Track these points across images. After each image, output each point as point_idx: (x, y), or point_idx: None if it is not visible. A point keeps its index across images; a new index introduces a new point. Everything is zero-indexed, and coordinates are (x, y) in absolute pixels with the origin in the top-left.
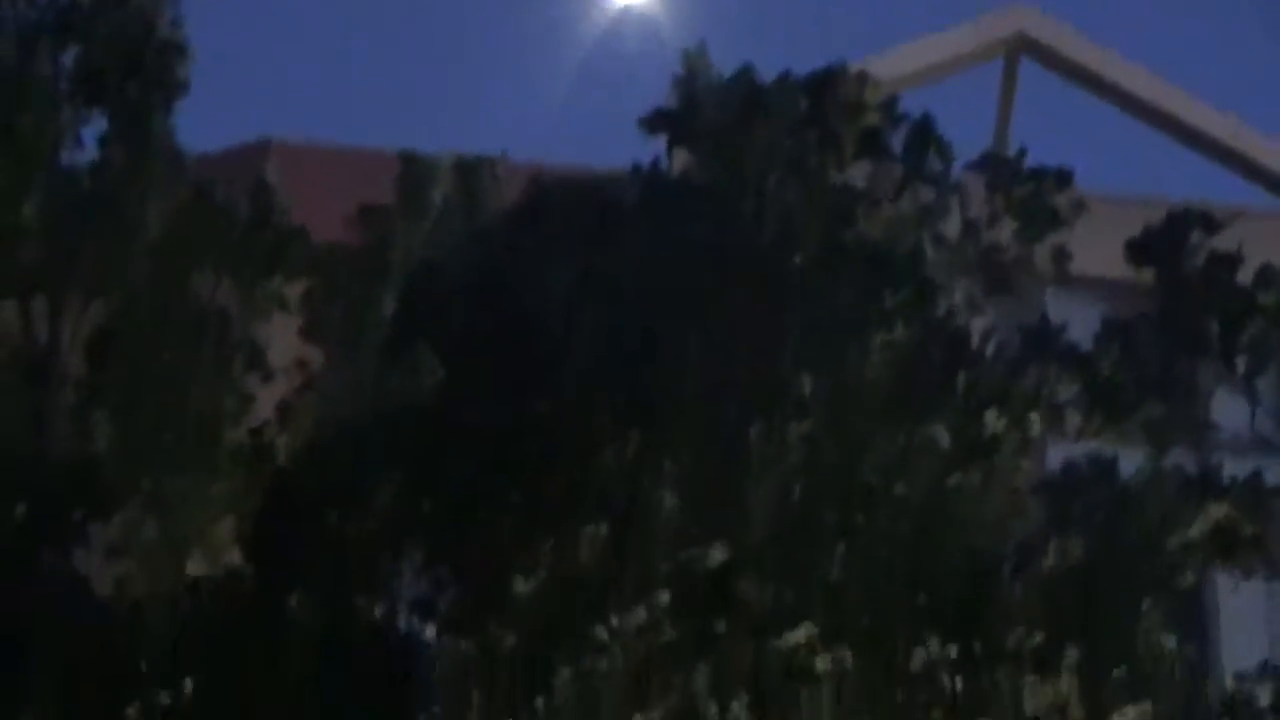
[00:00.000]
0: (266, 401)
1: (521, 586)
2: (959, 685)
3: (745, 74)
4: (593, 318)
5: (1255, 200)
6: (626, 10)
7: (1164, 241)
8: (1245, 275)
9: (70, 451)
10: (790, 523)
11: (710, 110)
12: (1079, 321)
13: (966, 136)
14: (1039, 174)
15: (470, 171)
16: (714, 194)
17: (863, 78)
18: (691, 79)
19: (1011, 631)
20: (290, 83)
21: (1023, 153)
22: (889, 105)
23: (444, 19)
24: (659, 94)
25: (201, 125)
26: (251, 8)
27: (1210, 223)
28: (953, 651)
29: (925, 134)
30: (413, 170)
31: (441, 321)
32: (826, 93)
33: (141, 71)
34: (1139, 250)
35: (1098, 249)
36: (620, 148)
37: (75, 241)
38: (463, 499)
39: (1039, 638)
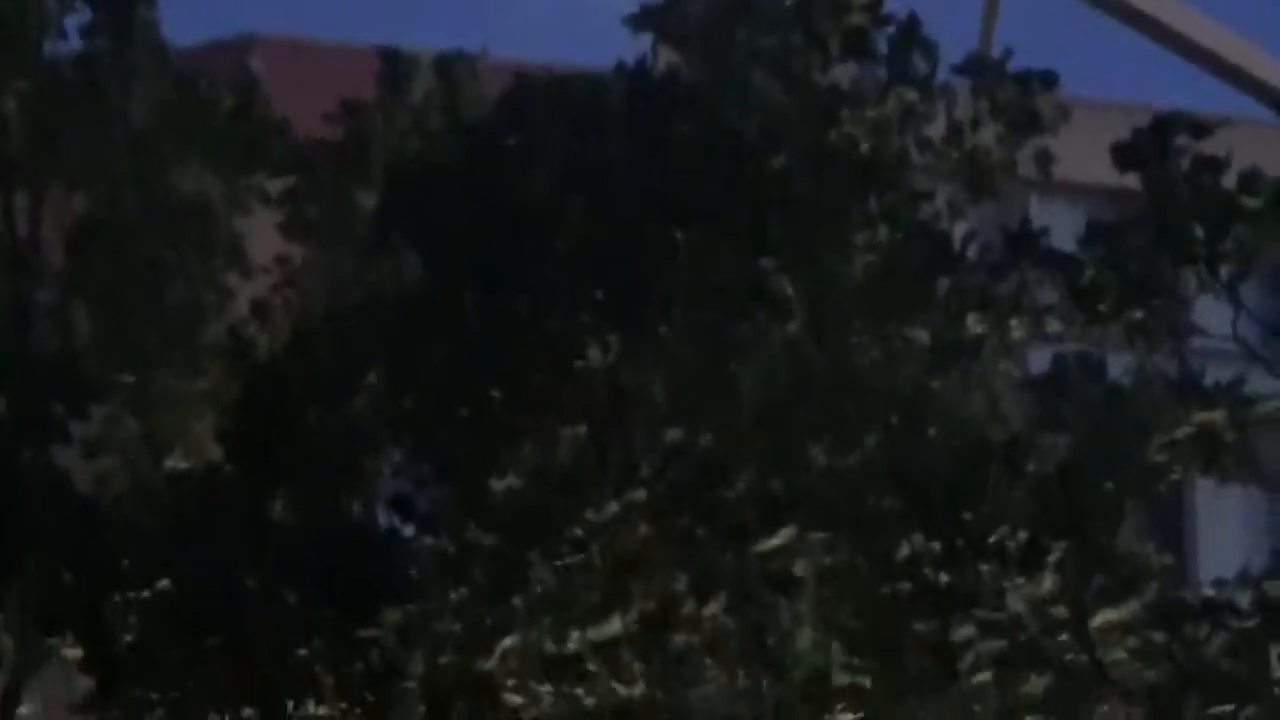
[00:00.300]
0: (248, 298)
1: (500, 484)
2: (943, 580)
3: None
4: (575, 213)
5: (1245, 110)
6: None
7: (1150, 145)
8: (1232, 181)
9: (51, 346)
10: (773, 418)
11: (695, 8)
12: (1064, 227)
13: (952, 39)
14: (1024, 77)
15: (451, 68)
16: (698, 93)
17: None
18: None
19: (995, 528)
20: None
21: (1008, 55)
22: (874, 5)
23: None
24: None
25: (186, 17)
26: None
27: (1197, 127)
28: (937, 547)
29: (910, 35)
30: (392, 66)
31: (423, 216)
32: None
33: None
34: (1124, 153)
35: (1083, 154)
36: (609, 43)
37: (57, 132)
38: (442, 395)
39: (1023, 535)
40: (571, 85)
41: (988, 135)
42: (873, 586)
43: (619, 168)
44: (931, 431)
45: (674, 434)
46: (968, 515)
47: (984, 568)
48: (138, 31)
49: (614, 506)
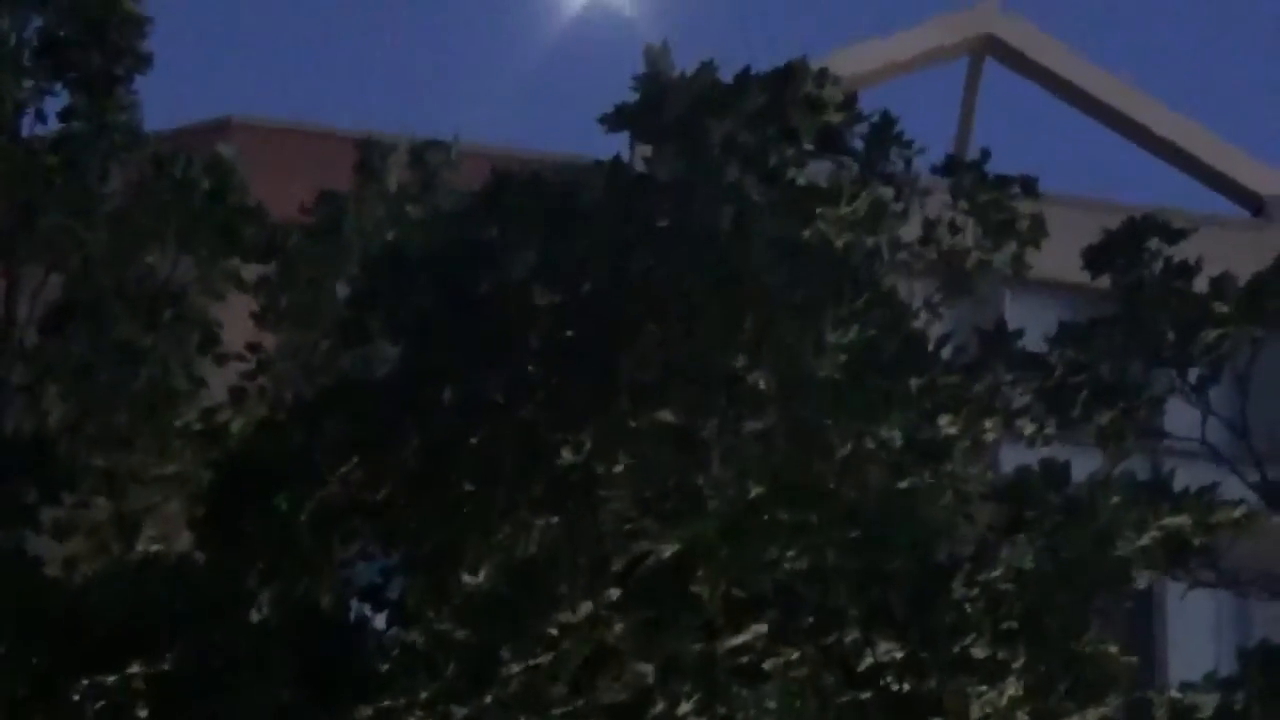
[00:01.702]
0: (220, 384)
1: (472, 577)
2: (906, 689)
3: (705, 70)
4: (550, 304)
5: (1218, 208)
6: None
7: (1121, 248)
8: (1204, 282)
9: (23, 428)
10: (743, 519)
11: (671, 105)
12: (1036, 323)
13: (929, 135)
14: (1003, 181)
15: (425, 154)
16: (673, 188)
17: (823, 74)
18: (653, 75)
19: (959, 636)
20: (254, 60)
21: (986, 155)
22: (849, 102)
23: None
24: (625, 84)
25: (163, 100)
26: None
27: (1169, 231)
28: (900, 654)
29: (886, 133)
30: (369, 154)
31: (398, 303)
32: (786, 89)
33: (104, 44)
34: (1096, 256)
35: (1057, 251)
36: (587, 136)
37: (33, 213)
38: (414, 483)
39: (986, 641)
40: (548, 179)
41: (965, 237)
42: (835, 694)
43: (594, 260)
44: (898, 534)
45: (645, 528)
46: (932, 622)
47: (947, 675)
48: (115, 114)
49: (587, 605)
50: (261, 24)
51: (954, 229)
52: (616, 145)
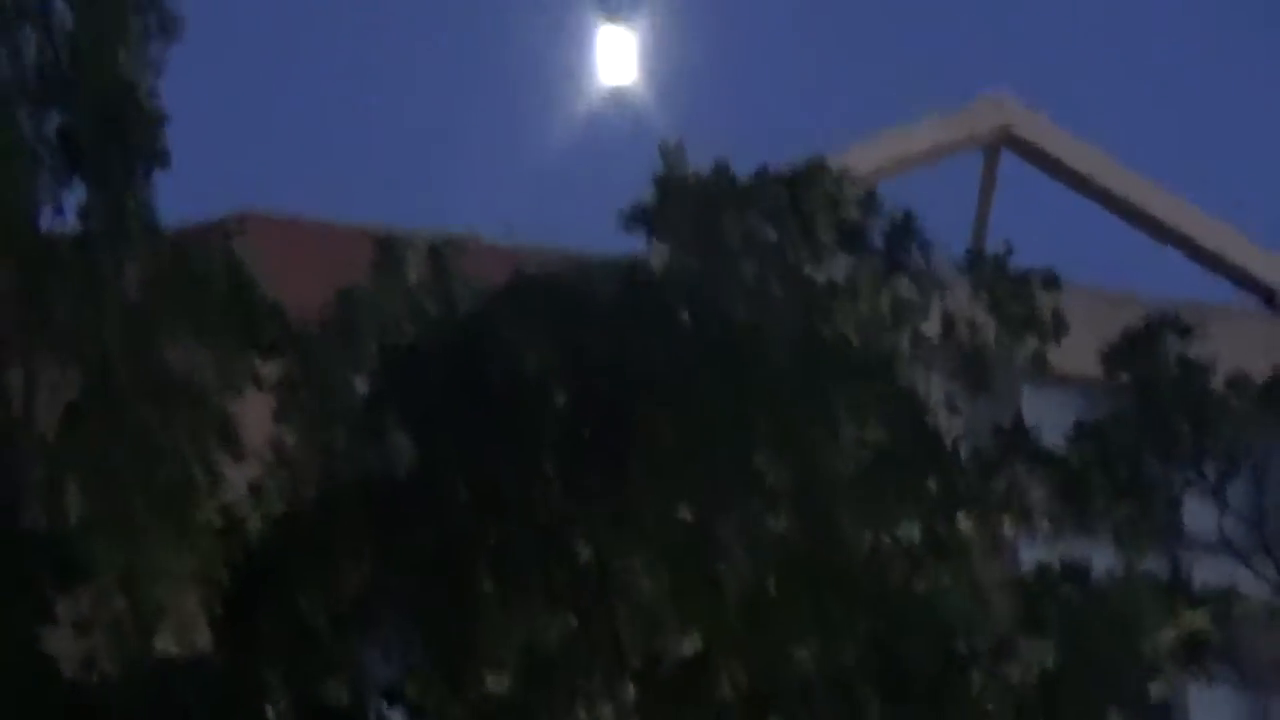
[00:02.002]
0: (238, 479)
1: (489, 673)
2: None
3: (721, 168)
4: (567, 401)
5: (1233, 299)
6: (615, 93)
7: (1138, 347)
8: (1221, 374)
9: (41, 523)
10: (759, 612)
11: (688, 204)
12: (1054, 415)
13: (947, 228)
14: (1023, 276)
15: (443, 251)
16: (691, 284)
17: (842, 171)
18: (670, 174)
19: None
20: (273, 154)
21: (1008, 250)
22: (869, 198)
23: (432, 95)
24: (641, 178)
25: (181, 193)
26: (237, 77)
27: (1185, 329)
28: None
29: (906, 229)
30: (388, 251)
31: (415, 399)
32: (805, 186)
33: (122, 141)
34: (1113, 354)
35: (1073, 343)
36: (604, 229)
37: (51, 308)
38: (431, 578)
39: None
40: (564, 276)
41: (985, 332)
42: None
43: (610, 356)
44: (917, 631)
45: (663, 622)
46: (951, 717)
47: None
48: (133, 209)
49: (607, 706)
50: (280, 116)
51: (974, 324)
52: (633, 238)
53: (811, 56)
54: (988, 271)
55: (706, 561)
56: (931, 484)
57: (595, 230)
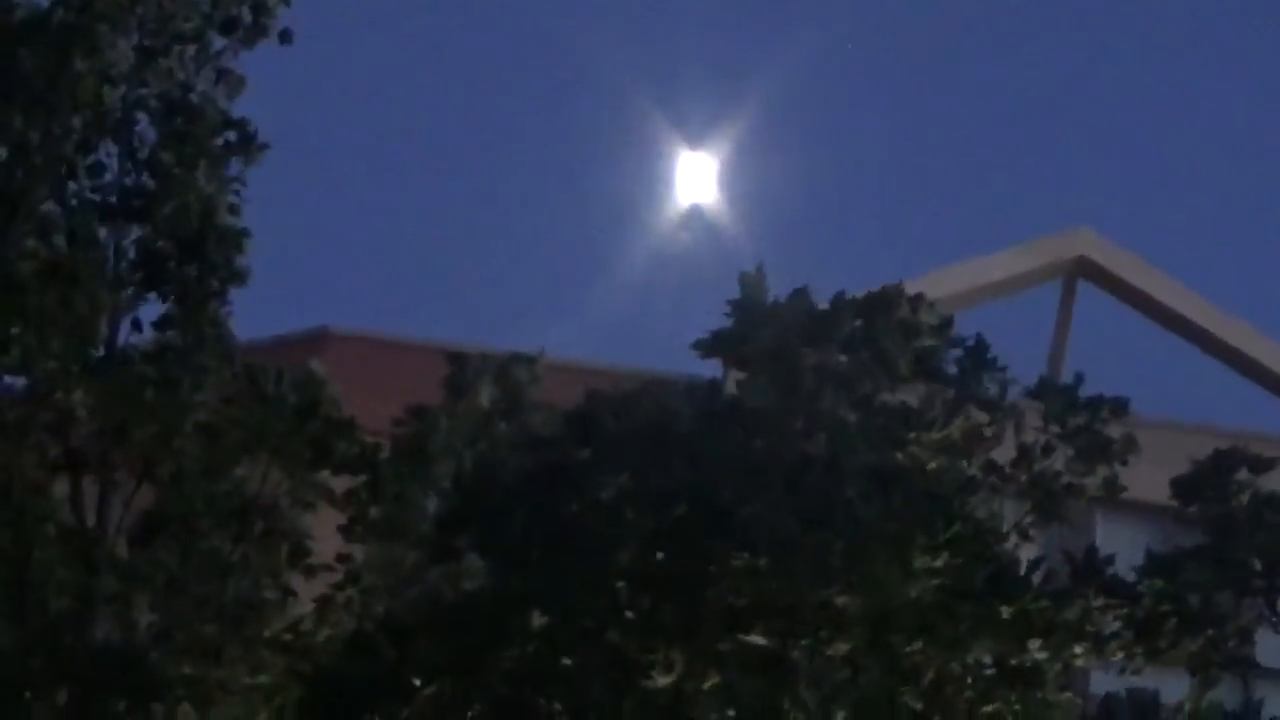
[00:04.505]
0: (308, 593)
1: None
2: None
3: (799, 297)
4: (640, 529)
5: None
6: (693, 210)
7: (1209, 480)
8: None
9: (113, 637)
10: None
11: (765, 332)
12: (1127, 544)
13: (1023, 357)
14: (1095, 403)
15: (512, 370)
16: (766, 414)
17: (918, 298)
18: (748, 301)
19: None
20: (352, 269)
21: (1080, 380)
22: (944, 326)
23: (509, 209)
24: (720, 293)
25: (262, 310)
26: (316, 194)
27: (1256, 462)
28: None
29: (980, 356)
30: (459, 369)
31: (489, 524)
32: (881, 313)
33: (201, 257)
34: (1185, 487)
35: (1148, 474)
36: (680, 351)
37: (127, 423)
38: (505, 708)
39: None
40: (640, 401)
41: (1057, 460)
42: None
43: (685, 485)
44: None
45: None
46: None
47: None
48: (209, 326)
49: None
50: (359, 234)
51: (1047, 451)
52: (709, 362)
53: (892, 184)
54: (1059, 400)
55: (779, 690)
56: (1003, 612)
57: (673, 348)
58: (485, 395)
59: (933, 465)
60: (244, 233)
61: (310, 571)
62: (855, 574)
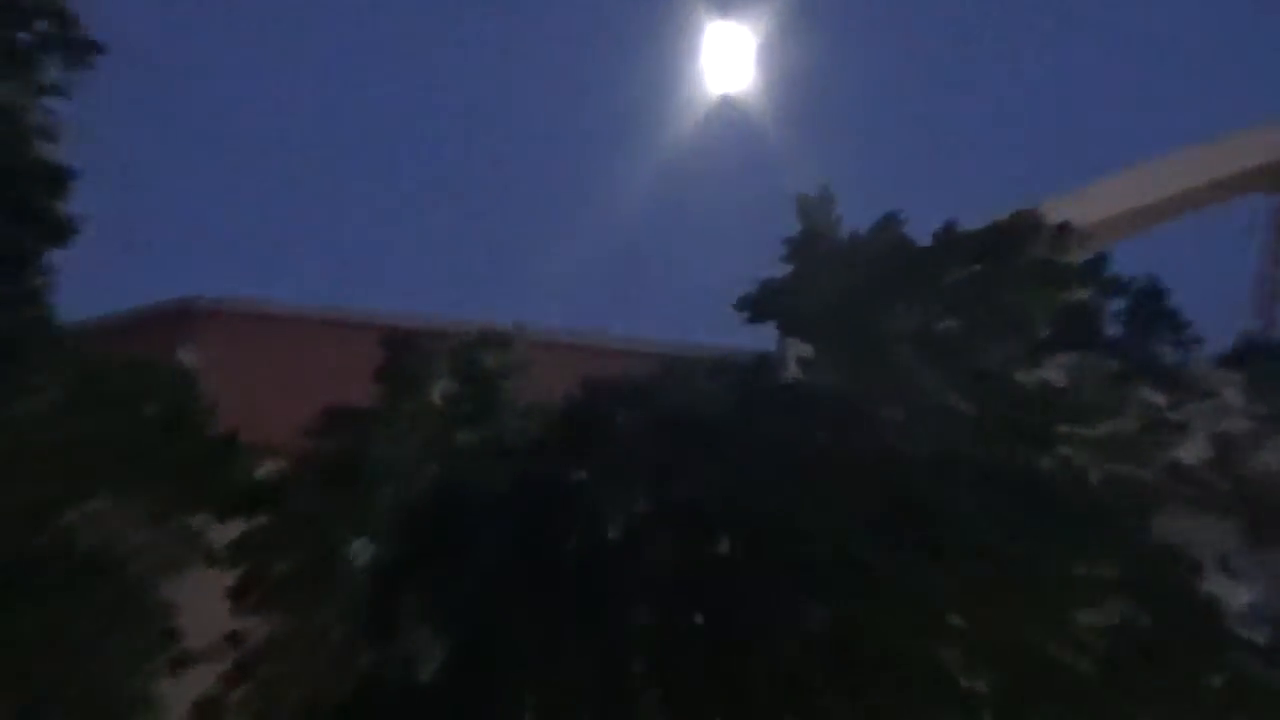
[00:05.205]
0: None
1: None
2: None
3: (888, 225)
4: (667, 571)
5: None
6: (723, 100)
7: None
8: None
9: None
10: None
11: (836, 281)
12: None
13: (1211, 305)
14: None
15: (478, 354)
16: (838, 398)
17: (1064, 229)
18: (811, 237)
19: None
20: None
21: None
22: (1096, 267)
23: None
24: (752, 194)
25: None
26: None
27: None
28: None
29: (1153, 309)
30: (400, 353)
31: (452, 573)
32: (1008, 252)
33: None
34: None
35: None
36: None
37: None
38: None
39: None
40: (660, 387)
41: (1273, 457)
42: None
43: (725, 501)
44: None
45: None
46: None
47: None
48: (25, 304)
49: None
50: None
51: (1256, 443)
52: (747, 335)
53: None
54: (1269, 366)
55: None
56: (1209, 680)
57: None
58: (439, 390)
59: (1092, 468)
60: (64, 171)
61: (181, 663)
62: (977, 629)
